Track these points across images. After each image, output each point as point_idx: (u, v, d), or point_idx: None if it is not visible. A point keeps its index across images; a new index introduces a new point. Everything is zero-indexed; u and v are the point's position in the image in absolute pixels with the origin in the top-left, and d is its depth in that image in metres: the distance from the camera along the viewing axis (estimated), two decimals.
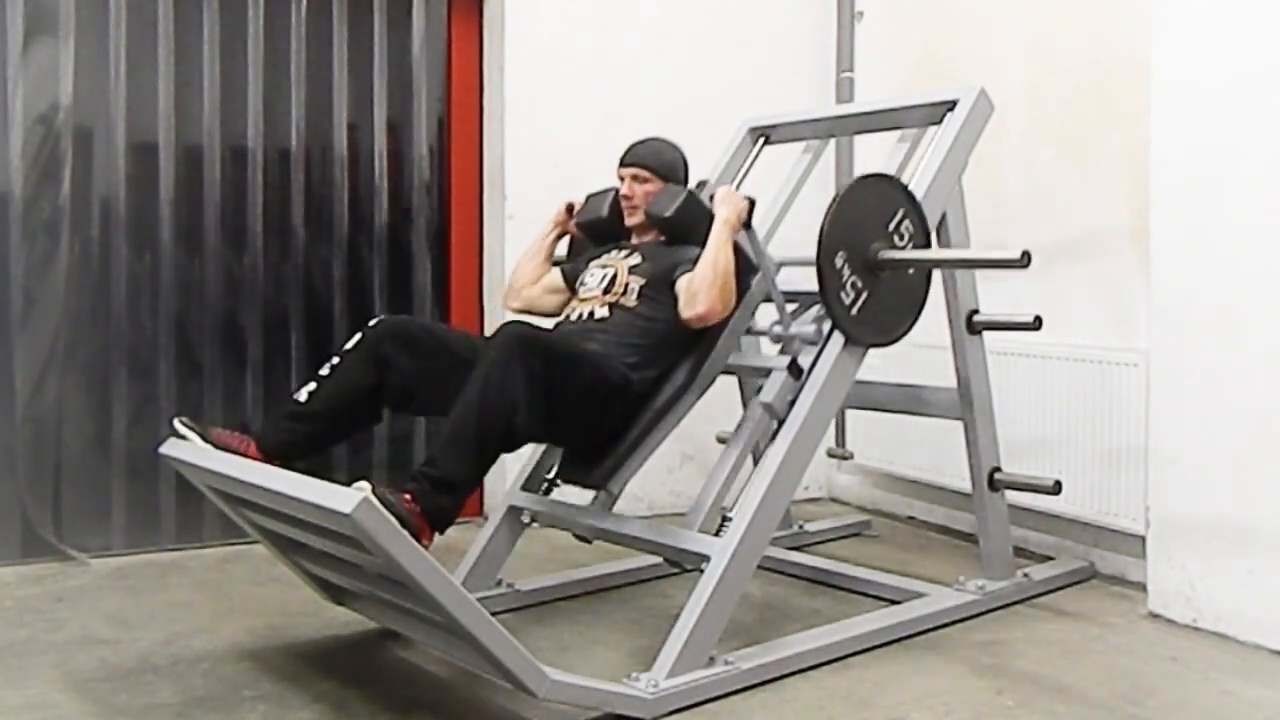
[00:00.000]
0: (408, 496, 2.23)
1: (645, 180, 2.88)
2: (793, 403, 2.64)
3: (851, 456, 4.03)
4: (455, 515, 2.36)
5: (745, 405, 3.26)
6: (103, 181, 3.41)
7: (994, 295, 3.20)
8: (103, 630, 2.74)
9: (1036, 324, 2.91)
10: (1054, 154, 3.50)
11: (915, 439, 3.80)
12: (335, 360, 2.57)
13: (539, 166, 3.79)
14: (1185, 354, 2.82)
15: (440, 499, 2.27)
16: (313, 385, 2.56)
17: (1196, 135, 2.80)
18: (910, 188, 2.75)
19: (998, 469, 3.06)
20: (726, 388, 3.51)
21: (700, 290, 2.61)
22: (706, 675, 2.35)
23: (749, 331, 2.97)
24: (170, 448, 2.41)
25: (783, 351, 2.84)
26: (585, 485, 2.75)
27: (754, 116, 3.42)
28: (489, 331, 3.81)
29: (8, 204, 3.28)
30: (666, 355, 2.74)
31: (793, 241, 3.18)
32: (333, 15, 3.71)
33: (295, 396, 2.57)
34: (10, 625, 2.77)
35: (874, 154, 3.68)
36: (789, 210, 3.35)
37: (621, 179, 2.91)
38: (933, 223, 2.80)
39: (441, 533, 2.34)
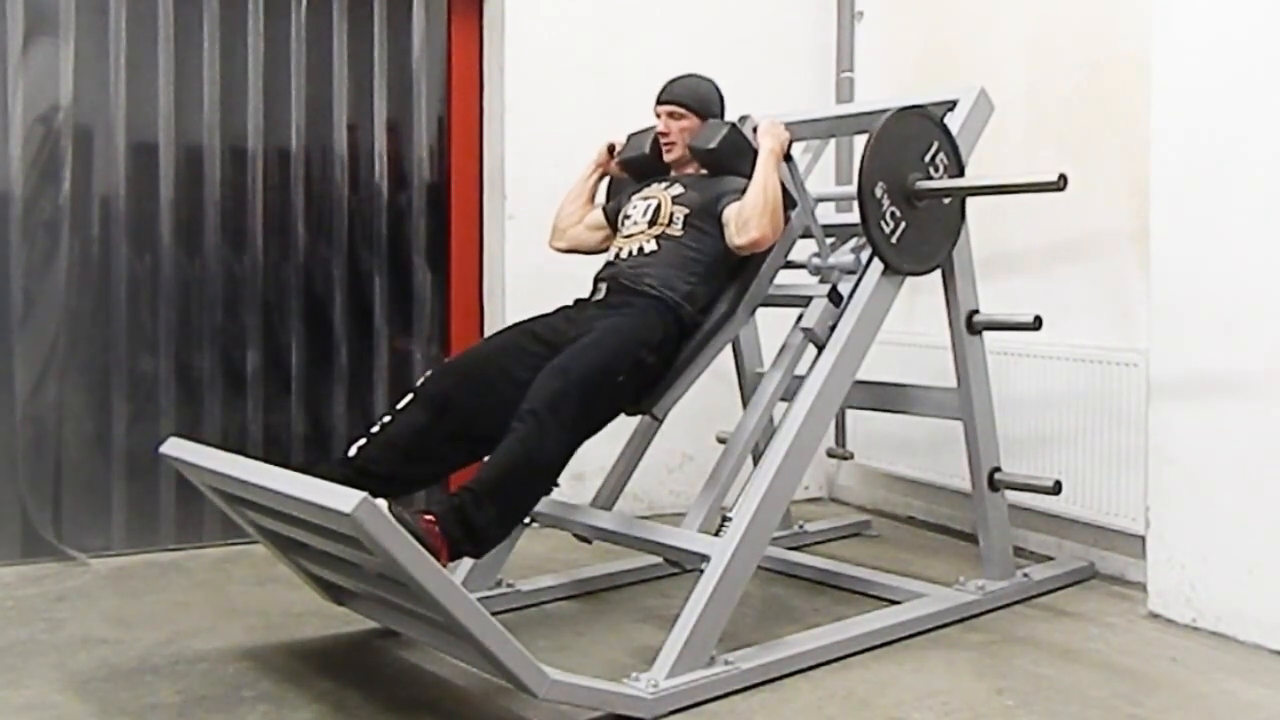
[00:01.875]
0: (430, 518, 2.23)
1: (682, 117, 2.94)
2: (833, 329, 2.73)
3: (851, 456, 4.03)
4: (477, 551, 2.38)
5: (745, 405, 3.25)
6: (103, 181, 3.41)
7: (994, 295, 3.20)
8: (103, 630, 2.74)
9: (1036, 324, 2.92)
10: (1054, 154, 3.50)
11: (915, 439, 3.80)
12: (386, 418, 2.53)
13: (539, 166, 3.79)
14: (1185, 354, 2.82)
15: (460, 529, 2.28)
16: (362, 441, 2.50)
17: (1196, 135, 2.80)
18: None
19: (998, 469, 3.06)
20: (726, 388, 3.52)
21: (753, 216, 2.68)
22: (706, 675, 2.35)
23: (788, 264, 3.01)
24: (170, 447, 2.41)
25: (822, 281, 2.93)
26: (631, 412, 2.78)
27: (754, 116, 3.42)
28: (488, 328, 3.83)
29: (8, 204, 3.28)
30: (714, 283, 2.80)
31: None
32: (333, 15, 3.71)
33: (346, 453, 2.49)
34: (10, 625, 2.77)
35: None
36: None
37: (659, 116, 2.96)
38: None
39: (457, 559, 2.35)
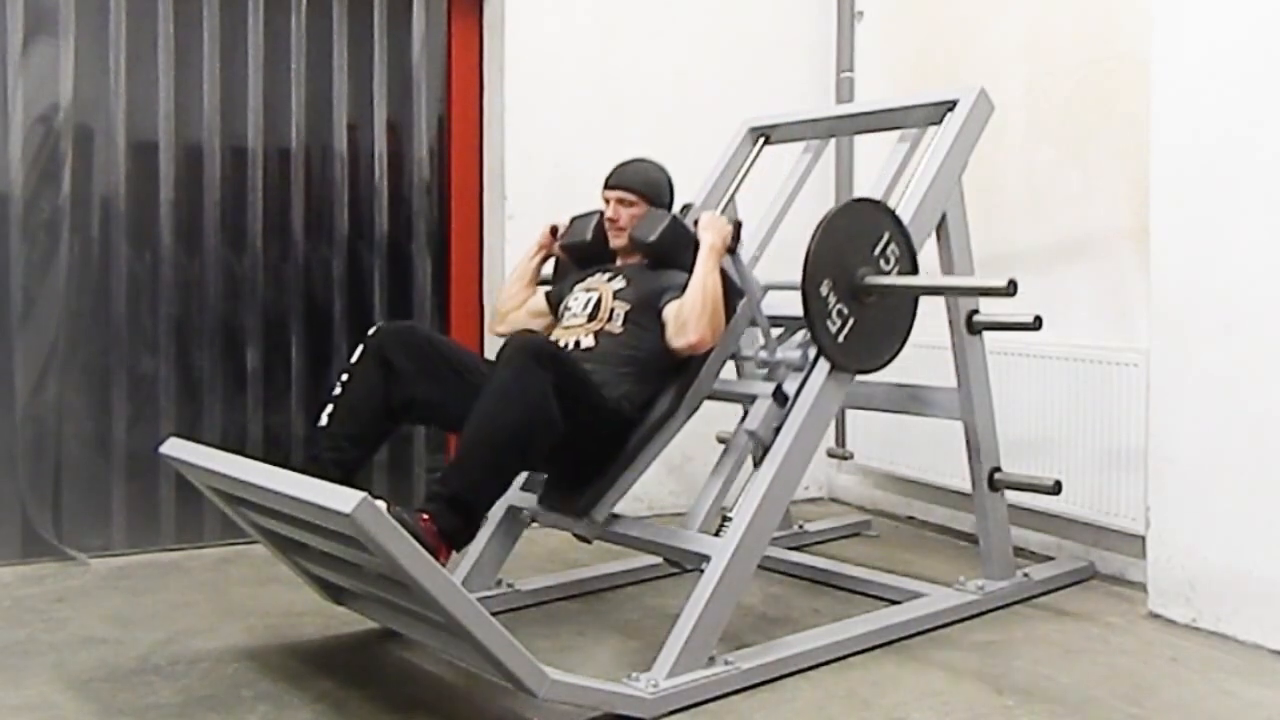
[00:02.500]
0: (425, 516, 2.24)
1: (631, 204, 2.88)
2: (778, 430, 2.61)
3: (851, 456, 4.03)
4: (474, 533, 2.38)
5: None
6: (103, 181, 3.41)
7: None
8: (103, 630, 2.74)
9: (1036, 324, 2.91)
10: (1054, 154, 3.50)
11: (915, 439, 3.80)
12: (345, 376, 2.56)
13: (539, 166, 3.79)
14: (1185, 354, 2.82)
15: (454, 518, 2.29)
16: (330, 407, 2.54)
17: (1196, 135, 2.79)
18: (898, 209, 2.72)
19: (998, 469, 3.06)
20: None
21: (690, 319, 2.61)
22: (706, 675, 2.35)
23: (734, 357, 2.95)
24: (170, 447, 2.42)
25: (768, 377, 2.84)
26: (568, 513, 2.73)
27: (754, 116, 3.42)
28: (488, 339, 3.82)
29: (8, 204, 3.28)
30: (653, 381, 2.73)
31: (792, 241, 3.16)
32: (333, 15, 3.71)
33: (319, 423, 2.56)
34: (10, 625, 2.77)
35: (874, 154, 3.69)
36: (789, 210, 3.35)
37: (606, 201, 2.90)
38: (927, 234, 2.81)
39: (459, 550, 2.35)
